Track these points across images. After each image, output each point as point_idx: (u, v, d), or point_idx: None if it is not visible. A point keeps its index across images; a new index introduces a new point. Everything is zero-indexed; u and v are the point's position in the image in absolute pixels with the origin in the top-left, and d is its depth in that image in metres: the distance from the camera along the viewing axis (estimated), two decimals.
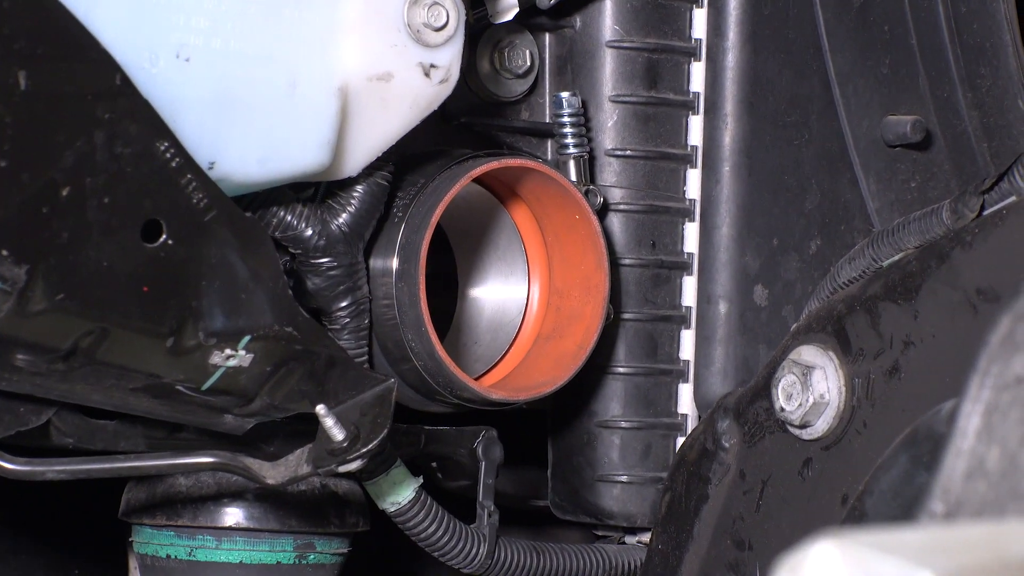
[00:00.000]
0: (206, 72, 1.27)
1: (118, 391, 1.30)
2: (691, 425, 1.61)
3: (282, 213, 1.39)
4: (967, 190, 1.49)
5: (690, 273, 1.60)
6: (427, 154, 1.49)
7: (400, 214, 1.46)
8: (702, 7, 1.58)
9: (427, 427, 1.53)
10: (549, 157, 1.57)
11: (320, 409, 1.35)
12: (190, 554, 1.56)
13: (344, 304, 1.44)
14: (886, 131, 1.62)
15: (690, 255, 1.60)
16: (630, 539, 1.63)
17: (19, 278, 1.18)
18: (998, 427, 0.89)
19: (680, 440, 1.60)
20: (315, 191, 1.42)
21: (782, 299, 1.59)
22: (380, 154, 1.39)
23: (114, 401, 1.31)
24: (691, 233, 1.60)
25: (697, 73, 1.59)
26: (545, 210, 1.54)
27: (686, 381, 1.61)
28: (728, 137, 1.58)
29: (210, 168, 1.28)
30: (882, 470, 1.34)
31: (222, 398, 1.33)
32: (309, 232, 1.40)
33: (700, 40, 1.59)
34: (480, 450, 1.55)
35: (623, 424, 1.60)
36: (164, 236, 1.24)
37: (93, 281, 1.22)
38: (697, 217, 1.60)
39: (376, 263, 1.46)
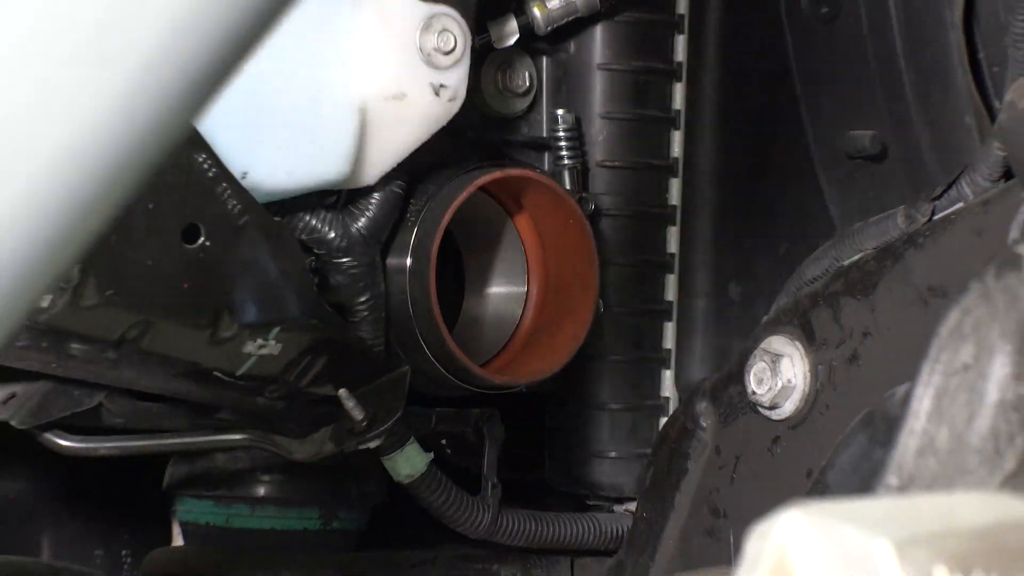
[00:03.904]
0: (238, 91, 1.27)
1: (162, 376, 1.30)
2: (673, 407, 1.60)
3: (308, 218, 1.39)
4: (920, 197, 1.49)
5: (672, 271, 1.60)
6: (437, 165, 1.48)
7: (413, 219, 1.46)
8: (683, 33, 1.58)
9: (437, 408, 1.53)
10: (546, 168, 1.56)
11: (342, 392, 1.35)
12: (226, 522, 1.57)
13: (363, 299, 1.44)
14: (847, 145, 1.62)
15: (672, 255, 1.60)
16: (618, 508, 1.63)
17: (73, 276, 1.18)
18: (947, 409, 0.89)
19: (663, 420, 1.60)
20: (337, 198, 1.41)
21: (754, 295, 1.59)
22: (395, 165, 1.39)
23: (158, 385, 1.31)
24: (673, 236, 1.60)
25: (678, 92, 1.59)
26: (543, 215, 1.54)
27: (668, 367, 1.61)
28: (706, 150, 1.58)
29: (243, 178, 1.27)
30: (842, 447, 1.34)
31: (255, 382, 1.33)
32: (332, 235, 1.40)
33: (681, 63, 1.58)
34: (485, 429, 1.55)
35: (612, 406, 1.60)
36: (202, 238, 1.24)
37: (139, 279, 1.22)
38: (678, 221, 1.60)
39: (392, 262, 1.46)
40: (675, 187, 1.60)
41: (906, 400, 0.90)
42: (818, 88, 1.61)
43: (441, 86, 1.37)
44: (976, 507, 0.75)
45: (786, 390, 1.41)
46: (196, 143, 1.22)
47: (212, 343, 1.27)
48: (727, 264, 1.59)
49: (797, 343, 1.41)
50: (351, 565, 1.54)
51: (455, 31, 1.37)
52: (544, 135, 1.57)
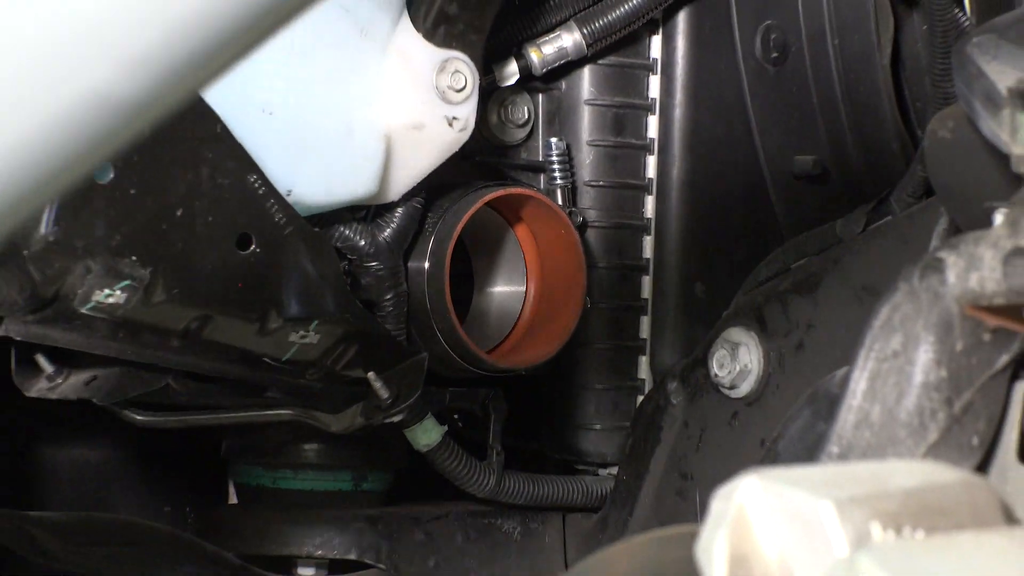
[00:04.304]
0: (284, 122, 1.27)
1: (220, 361, 1.29)
2: (648, 387, 1.60)
3: (342, 228, 1.38)
4: (855, 211, 1.48)
5: (647, 273, 1.60)
6: (450, 184, 1.48)
7: (430, 229, 1.45)
8: (656, 74, 1.58)
9: (450, 388, 1.53)
10: (542, 187, 1.56)
11: (371, 375, 1.34)
12: (274, 483, 1.56)
13: (388, 297, 1.43)
14: (794, 167, 1.62)
15: (647, 260, 1.60)
16: (602, 472, 1.63)
17: (144, 277, 1.17)
18: (880, 389, 0.88)
19: (640, 398, 1.59)
20: (367, 212, 1.41)
21: (716, 293, 1.59)
22: (415, 184, 1.39)
23: (217, 369, 1.31)
24: (648, 243, 1.60)
25: (652, 123, 1.58)
26: (539, 226, 1.54)
27: (644, 354, 1.60)
28: (675, 172, 1.58)
29: (288, 195, 1.27)
30: (791, 421, 1.34)
31: (298, 367, 1.32)
32: (362, 243, 1.40)
33: (655, 99, 1.58)
34: (490, 405, 1.54)
35: (597, 386, 1.60)
36: (253, 246, 1.23)
37: (200, 279, 1.21)
38: (652, 231, 1.59)
39: (412, 266, 1.46)
40: (650, 203, 1.59)
41: (845, 381, 0.89)
42: (769, 119, 1.61)
43: (454, 118, 1.36)
44: (905, 472, 0.75)
45: (743, 373, 1.41)
46: (249, 165, 1.22)
47: (261, 334, 1.27)
48: (693, 267, 1.59)
49: (752, 333, 1.40)
50: (378, 519, 1.54)
51: (465, 72, 1.36)
52: (540, 159, 1.57)
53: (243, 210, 1.22)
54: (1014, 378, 0.90)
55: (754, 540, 0.71)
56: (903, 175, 1.53)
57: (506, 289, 1.58)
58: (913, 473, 0.75)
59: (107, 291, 1.16)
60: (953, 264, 0.89)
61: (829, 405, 1.29)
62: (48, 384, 1.33)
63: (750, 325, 1.41)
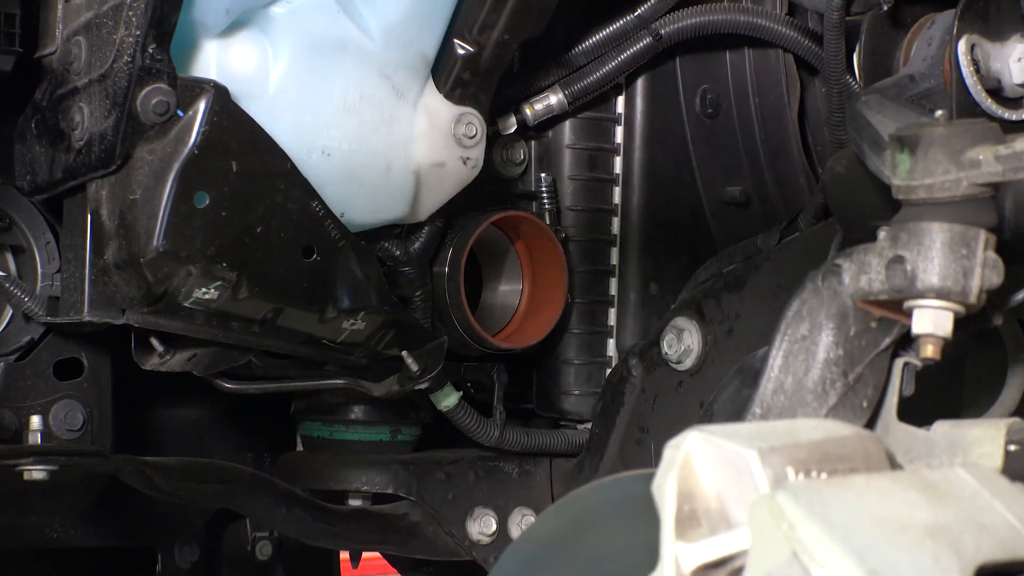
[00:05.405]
0: (339, 162, 1.26)
1: (289, 342, 1.29)
2: (614, 362, 1.59)
3: (382, 242, 1.38)
4: (771, 229, 1.48)
5: (614, 276, 1.59)
6: (464, 208, 1.47)
7: (449, 242, 1.45)
8: (620, 125, 1.57)
9: (464, 363, 1.52)
10: (534, 210, 1.55)
11: (404, 353, 1.34)
12: (331, 435, 1.56)
13: (418, 294, 1.43)
14: (724, 195, 1.61)
15: (614, 265, 1.59)
16: (580, 427, 1.62)
17: (232, 279, 1.17)
18: (791, 364, 0.88)
19: (608, 371, 1.59)
20: (401, 229, 1.41)
21: (666, 290, 1.58)
22: (438, 208, 1.38)
23: (287, 348, 1.31)
24: (614, 253, 1.59)
25: (618, 162, 1.57)
26: (532, 240, 1.53)
27: (611, 337, 1.60)
28: (635, 199, 1.57)
29: (341, 216, 1.27)
30: (723, 388, 1.33)
31: (348, 347, 1.32)
32: (398, 253, 1.40)
33: (619, 144, 1.57)
34: (495, 376, 1.54)
35: (576, 361, 1.59)
36: (315, 255, 1.23)
37: (275, 280, 1.21)
38: (618, 244, 1.58)
39: (436, 270, 1.45)
40: (616, 223, 1.58)
41: (765, 358, 0.89)
42: (706, 159, 1.60)
43: (467, 158, 1.36)
44: (812, 429, 0.74)
45: (687, 352, 1.40)
46: (312, 194, 1.22)
47: (321, 322, 1.26)
48: (649, 271, 1.58)
49: (694, 321, 1.40)
50: (409, 463, 1.53)
51: (476, 123, 1.36)
52: (532, 190, 1.56)
53: (307, 228, 1.22)
54: (894, 355, 0.90)
55: (697, 480, 0.71)
56: (808, 201, 1.52)
57: (507, 287, 1.58)
58: (818, 429, 0.74)
59: (204, 289, 1.16)
60: (848, 269, 0.89)
61: (753, 376, 1.28)
62: (159, 360, 1.33)
63: (692, 315, 1.40)
